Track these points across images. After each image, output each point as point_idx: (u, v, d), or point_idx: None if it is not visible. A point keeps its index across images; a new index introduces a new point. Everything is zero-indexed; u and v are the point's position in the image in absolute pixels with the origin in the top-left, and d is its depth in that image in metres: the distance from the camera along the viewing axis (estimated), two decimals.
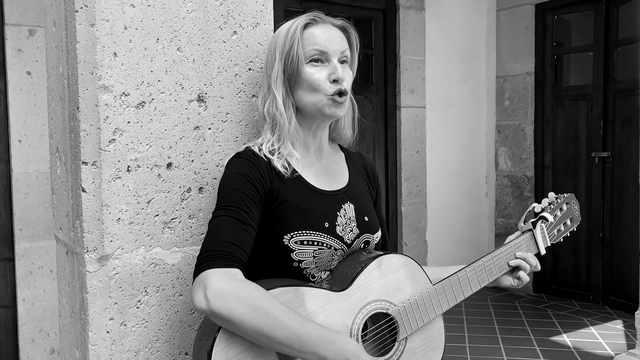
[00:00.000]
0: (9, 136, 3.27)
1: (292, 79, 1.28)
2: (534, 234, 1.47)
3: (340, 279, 1.25)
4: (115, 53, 1.27)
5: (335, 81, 1.27)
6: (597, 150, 4.44)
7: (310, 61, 1.27)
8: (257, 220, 1.21)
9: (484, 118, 5.07)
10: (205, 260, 1.13)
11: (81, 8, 1.25)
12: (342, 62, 1.30)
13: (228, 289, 1.08)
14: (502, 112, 4.96)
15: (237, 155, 1.27)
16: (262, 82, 1.35)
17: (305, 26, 1.29)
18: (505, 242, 1.45)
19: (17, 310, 3.29)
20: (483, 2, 4.98)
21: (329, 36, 1.28)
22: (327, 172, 1.36)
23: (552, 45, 4.72)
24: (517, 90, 4.84)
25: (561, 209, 1.55)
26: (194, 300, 1.10)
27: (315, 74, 1.27)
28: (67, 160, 1.36)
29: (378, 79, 4.56)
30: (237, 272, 1.13)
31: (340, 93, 1.27)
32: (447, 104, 4.85)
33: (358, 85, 4.47)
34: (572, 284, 4.69)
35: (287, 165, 1.27)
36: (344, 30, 1.33)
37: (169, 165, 1.34)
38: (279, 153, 1.27)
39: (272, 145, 1.27)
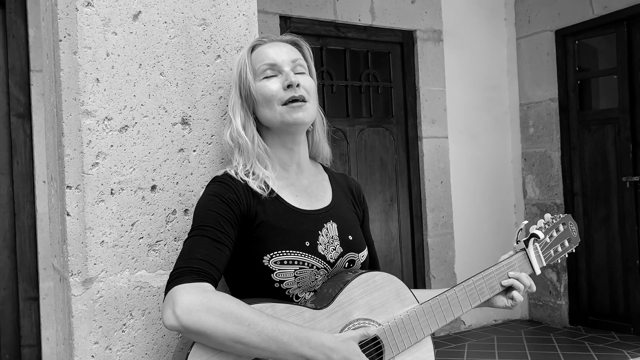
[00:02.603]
0: (34, 177, 3.37)
1: (249, 100, 1.30)
2: (527, 253, 1.42)
3: (323, 298, 1.22)
4: (97, 79, 1.30)
5: (289, 86, 1.27)
6: (627, 174, 4.30)
7: (263, 78, 1.29)
8: (233, 240, 1.20)
9: (509, 146, 4.99)
10: (175, 277, 1.11)
11: (64, 37, 1.29)
12: (299, 73, 1.31)
13: (197, 302, 1.07)
14: (527, 140, 4.87)
15: (215, 179, 1.28)
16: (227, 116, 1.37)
17: (254, 48, 1.32)
18: (498, 262, 1.40)
19: (42, 350, 3.33)
20: (502, 31, 4.96)
21: (276, 50, 1.31)
22: (309, 192, 1.34)
23: (574, 70, 4.65)
24: (542, 116, 4.76)
25: (557, 230, 1.51)
26: (163, 319, 1.08)
27: (269, 85, 1.28)
28: (57, 186, 1.38)
29: (398, 111, 4.56)
30: (207, 286, 1.11)
31: (295, 99, 1.27)
32: (470, 133, 4.80)
33: (379, 118, 4.49)
34: (610, 314, 4.48)
35: (264, 187, 1.26)
36: (294, 44, 1.35)
37: (154, 187, 1.35)
38: (253, 174, 1.26)
39: (245, 166, 1.27)
